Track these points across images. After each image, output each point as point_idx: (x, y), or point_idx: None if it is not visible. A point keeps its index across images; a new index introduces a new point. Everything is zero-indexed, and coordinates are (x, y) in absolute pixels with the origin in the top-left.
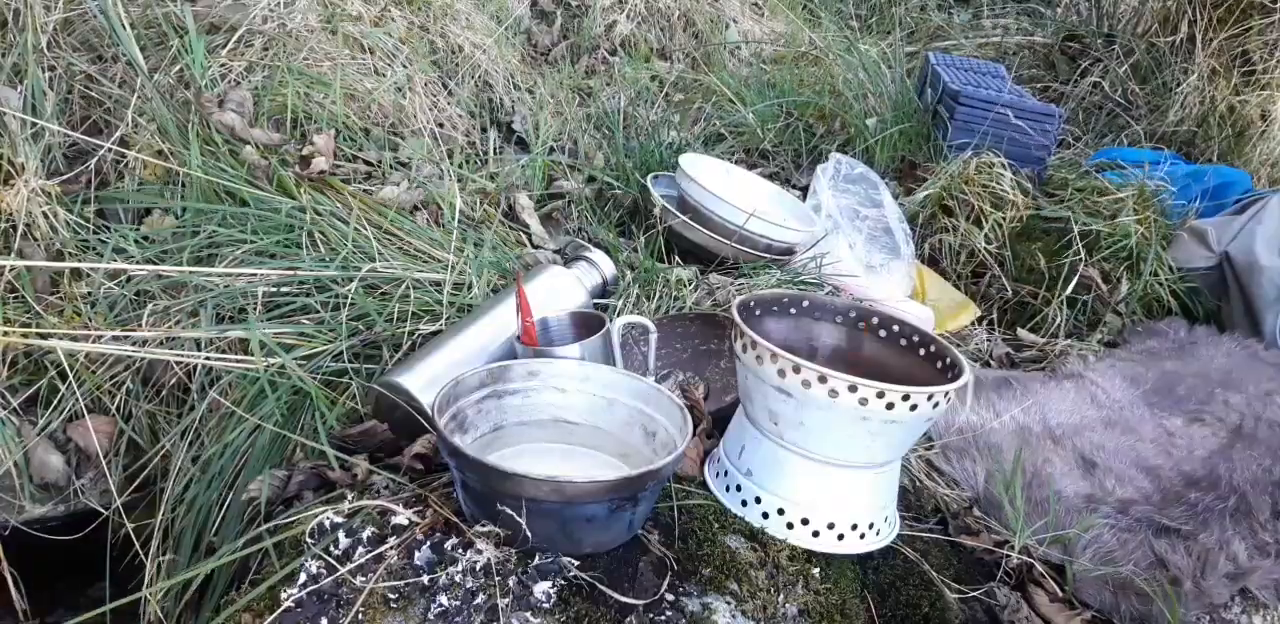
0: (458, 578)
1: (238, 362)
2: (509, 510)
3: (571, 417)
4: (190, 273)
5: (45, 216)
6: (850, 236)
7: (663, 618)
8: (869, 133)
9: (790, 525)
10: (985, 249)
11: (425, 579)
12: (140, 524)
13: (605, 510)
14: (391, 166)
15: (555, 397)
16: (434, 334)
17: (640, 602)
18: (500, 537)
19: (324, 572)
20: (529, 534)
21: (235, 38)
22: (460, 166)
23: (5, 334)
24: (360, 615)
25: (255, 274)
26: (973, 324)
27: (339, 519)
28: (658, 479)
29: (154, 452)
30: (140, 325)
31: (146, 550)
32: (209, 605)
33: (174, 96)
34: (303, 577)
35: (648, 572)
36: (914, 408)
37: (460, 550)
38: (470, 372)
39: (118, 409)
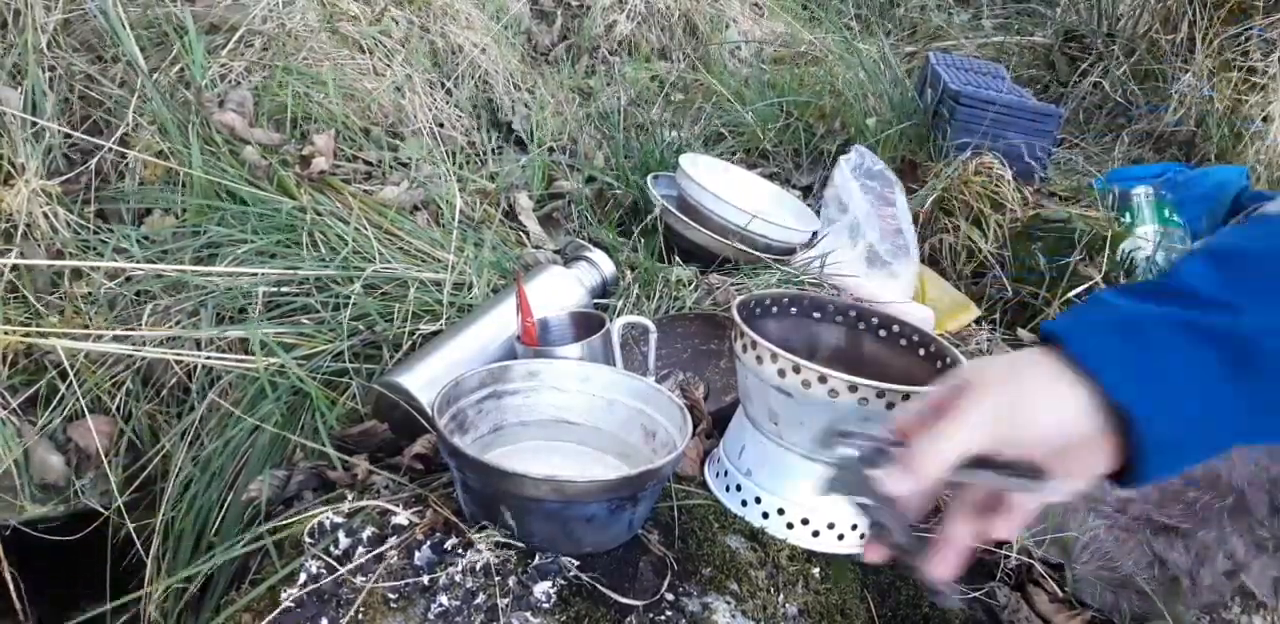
0: (458, 578)
1: (238, 362)
2: (508, 510)
3: (571, 417)
4: (190, 273)
5: (45, 216)
6: (868, 233)
7: (663, 618)
8: (869, 133)
9: (790, 525)
10: (985, 249)
11: (425, 579)
12: (140, 524)
13: (605, 510)
14: (391, 166)
15: (555, 397)
16: (434, 334)
17: (640, 602)
18: (500, 537)
19: (324, 572)
20: (529, 534)
21: (235, 38)
22: (460, 167)
23: (5, 334)
24: (360, 615)
25: (255, 274)
26: (973, 324)
27: (339, 519)
28: (657, 479)
29: (154, 452)
30: (140, 325)
31: (147, 550)
32: (209, 605)
33: (174, 96)
34: (303, 577)
35: (648, 572)
36: None
37: (460, 550)
38: (470, 372)
39: (118, 409)
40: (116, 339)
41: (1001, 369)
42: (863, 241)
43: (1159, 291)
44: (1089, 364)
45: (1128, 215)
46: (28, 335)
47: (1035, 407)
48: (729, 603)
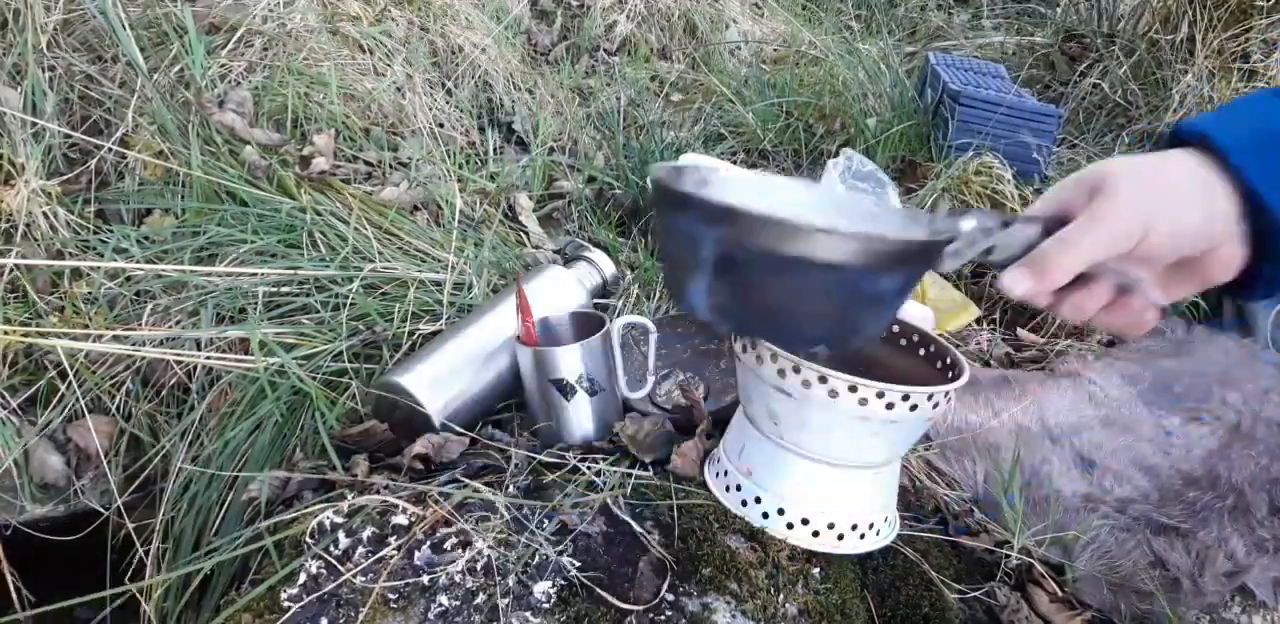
0: (458, 578)
1: (237, 362)
2: (766, 291)
3: None
4: (190, 273)
5: (45, 216)
6: None
7: (662, 618)
8: (869, 133)
9: (790, 525)
10: None
11: (425, 579)
12: (140, 524)
13: (897, 286)
14: (391, 166)
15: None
16: (434, 334)
17: (640, 603)
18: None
19: (324, 571)
20: (784, 323)
21: (235, 38)
22: (460, 166)
23: (5, 334)
24: (360, 615)
25: (255, 274)
26: (973, 324)
27: (339, 519)
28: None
29: (154, 452)
30: (140, 325)
31: (147, 550)
32: (209, 605)
33: (174, 96)
34: (303, 576)
35: (648, 572)
36: (914, 408)
37: (460, 550)
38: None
39: (118, 409)
40: (116, 339)
41: (1149, 174)
42: None
43: None
44: (1251, 181)
45: None
46: (27, 335)
47: (1180, 219)
48: (729, 603)
